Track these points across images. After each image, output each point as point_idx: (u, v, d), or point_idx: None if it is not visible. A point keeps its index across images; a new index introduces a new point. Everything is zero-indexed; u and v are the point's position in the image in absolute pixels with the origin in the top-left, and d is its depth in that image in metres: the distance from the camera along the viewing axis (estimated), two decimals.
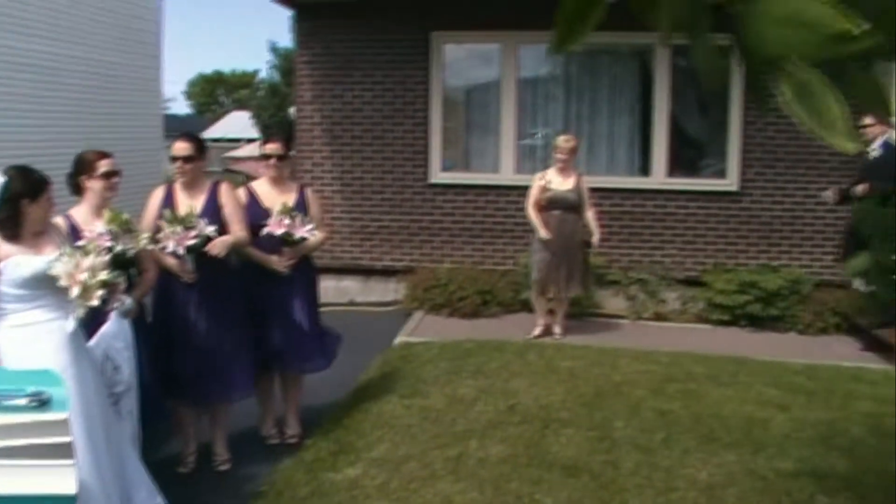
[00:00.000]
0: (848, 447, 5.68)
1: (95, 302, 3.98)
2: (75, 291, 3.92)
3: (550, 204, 8.44)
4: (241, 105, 55.29)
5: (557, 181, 8.48)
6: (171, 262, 5.11)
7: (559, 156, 8.49)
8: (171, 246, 4.98)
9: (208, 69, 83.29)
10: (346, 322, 9.06)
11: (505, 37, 10.30)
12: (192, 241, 5.00)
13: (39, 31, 13.84)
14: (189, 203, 5.23)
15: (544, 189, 8.45)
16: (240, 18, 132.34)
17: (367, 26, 10.54)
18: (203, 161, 5.40)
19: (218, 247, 5.10)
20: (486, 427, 5.91)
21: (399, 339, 8.60)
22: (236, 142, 41.84)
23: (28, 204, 4.06)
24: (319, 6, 10.59)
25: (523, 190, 8.91)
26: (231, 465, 5.53)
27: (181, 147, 5.28)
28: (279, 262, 5.70)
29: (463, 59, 10.98)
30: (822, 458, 5.49)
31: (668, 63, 10.10)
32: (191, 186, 5.32)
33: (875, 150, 8.29)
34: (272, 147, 5.83)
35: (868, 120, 8.10)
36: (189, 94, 71.51)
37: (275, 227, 5.59)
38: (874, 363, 8.10)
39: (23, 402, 3.42)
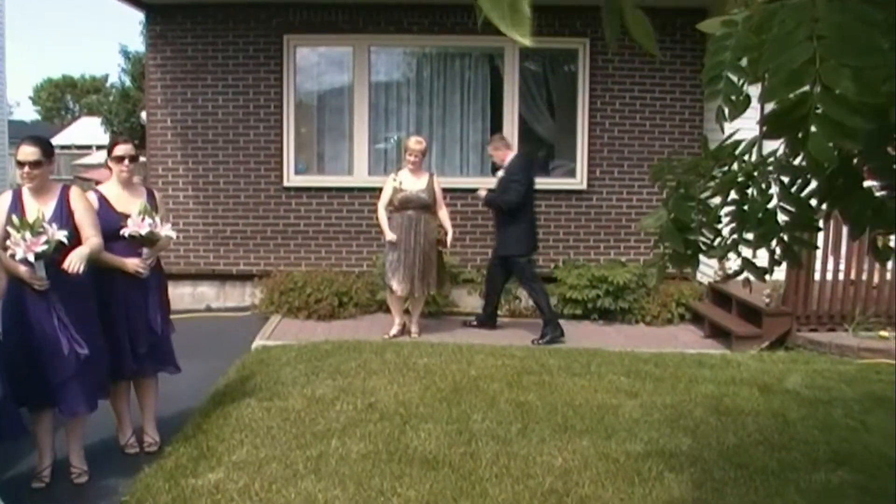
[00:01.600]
0: (692, 427, 6.01)
1: None
2: None
3: (403, 204, 8.58)
4: (90, 111, 53.39)
5: (410, 181, 8.63)
6: (21, 269, 4.94)
7: (410, 157, 8.65)
8: (20, 253, 4.82)
9: (57, 73, 79.88)
10: (203, 328, 9.03)
11: (357, 40, 10.39)
12: (41, 248, 4.85)
13: None
14: (38, 208, 5.07)
15: (398, 190, 8.58)
16: (90, 21, 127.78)
17: (220, 29, 10.45)
18: (51, 165, 5.25)
19: (75, 263, 4.92)
20: (347, 425, 5.97)
21: (257, 343, 8.57)
22: (86, 148, 40.39)
23: None
24: (170, 8, 10.44)
25: (377, 192, 9.03)
26: (89, 477, 5.38)
27: (28, 152, 5.09)
28: (140, 264, 5.62)
29: (316, 63, 11.01)
30: (669, 438, 5.78)
31: (517, 66, 10.40)
32: (39, 192, 5.16)
33: (504, 169, 9.09)
34: (124, 148, 5.74)
35: (491, 149, 9.29)
36: (36, 99, 68.64)
37: (138, 227, 5.50)
38: (714, 349, 8.59)
39: None
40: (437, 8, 10.10)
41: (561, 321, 9.09)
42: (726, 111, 2.39)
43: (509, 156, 9.06)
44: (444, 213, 8.80)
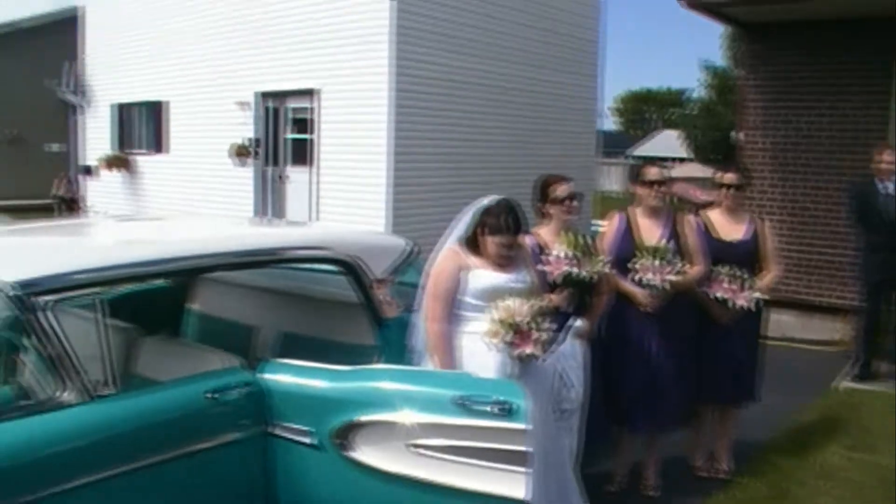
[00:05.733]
0: None
1: (528, 350, 4.08)
2: (502, 335, 4.06)
3: None
4: (669, 124, 54.94)
5: None
6: (635, 290, 5.16)
7: None
8: (650, 278, 5.05)
9: (636, 85, 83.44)
10: (780, 358, 8.64)
11: None
12: (673, 277, 5.05)
13: (491, 52, 14.82)
14: (650, 231, 5.28)
15: None
16: (671, 35, 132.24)
17: (820, 49, 9.98)
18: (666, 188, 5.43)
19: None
20: None
21: (842, 384, 8.04)
22: (665, 160, 41.66)
23: (482, 234, 4.30)
24: (769, 27, 10.25)
25: None
26: (659, 492, 5.49)
27: (656, 172, 5.38)
28: (725, 316, 5.51)
29: None
30: None
31: None
32: (650, 214, 5.36)
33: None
34: (729, 178, 5.70)
35: (887, 156, 7.89)
36: (618, 111, 72.18)
37: (715, 290, 5.42)
38: None
39: (489, 408, 3.60)
40: None
41: None
42: None
43: None
44: None
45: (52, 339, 3.50)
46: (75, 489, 3.39)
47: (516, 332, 4.05)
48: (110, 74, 18.66)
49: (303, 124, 14.74)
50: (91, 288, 3.70)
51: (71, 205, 20.76)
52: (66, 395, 3.49)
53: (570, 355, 4.53)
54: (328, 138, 14.16)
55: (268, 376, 4.00)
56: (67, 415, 3.48)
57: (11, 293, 3.47)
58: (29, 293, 3.48)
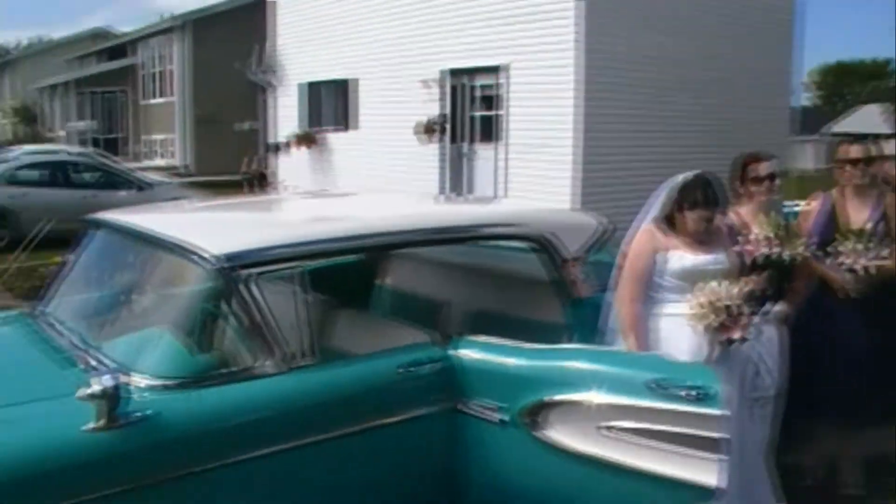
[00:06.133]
0: None
1: (737, 335, 3.98)
2: (711, 319, 3.95)
3: None
4: (872, 97, 51.83)
5: None
6: (836, 275, 4.87)
7: None
8: (852, 262, 4.78)
9: (833, 57, 78.21)
10: None
11: None
12: (878, 262, 4.75)
13: (679, 26, 14.39)
14: (856, 213, 4.98)
15: None
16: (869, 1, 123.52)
17: None
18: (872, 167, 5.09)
19: None
20: None
21: None
22: (867, 137, 39.59)
23: (679, 211, 4.21)
24: None
25: None
26: (860, 490, 5.16)
27: (856, 149, 5.04)
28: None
29: None
30: None
31: None
32: (856, 194, 5.04)
33: None
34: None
35: None
36: (814, 83, 68.51)
37: None
38: None
39: (683, 393, 3.52)
40: None
41: None
42: None
43: None
44: None
45: (254, 310, 3.64)
46: (268, 456, 3.53)
47: (728, 316, 3.94)
48: (299, 54, 19.26)
49: (489, 101, 14.80)
50: (290, 262, 3.82)
51: (261, 181, 21.61)
52: (266, 364, 3.64)
53: (767, 341, 4.37)
54: (515, 115, 14.16)
55: (460, 352, 4.02)
56: (267, 384, 3.62)
57: (218, 265, 3.62)
58: (234, 265, 3.63)
